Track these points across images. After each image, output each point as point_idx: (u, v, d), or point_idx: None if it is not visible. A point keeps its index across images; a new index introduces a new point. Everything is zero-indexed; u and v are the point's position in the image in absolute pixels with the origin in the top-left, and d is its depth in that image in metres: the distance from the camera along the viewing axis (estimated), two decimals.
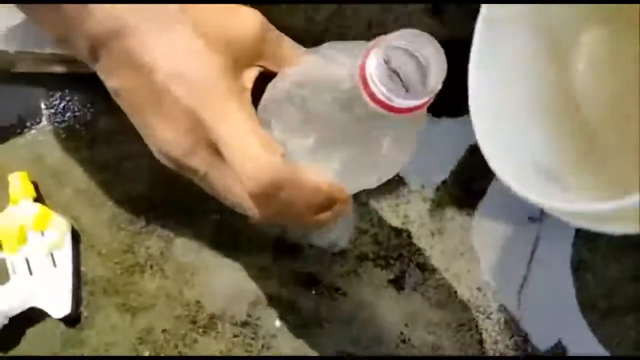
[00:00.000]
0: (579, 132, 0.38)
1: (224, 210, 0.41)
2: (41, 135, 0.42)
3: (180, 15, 0.31)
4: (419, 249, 0.42)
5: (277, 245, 0.42)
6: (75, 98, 0.43)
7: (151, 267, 0.41)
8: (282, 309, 0.41)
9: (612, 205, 0.25)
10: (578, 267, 0.42)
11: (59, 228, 0.40)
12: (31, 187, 0.41)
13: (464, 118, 0.43)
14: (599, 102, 0.38)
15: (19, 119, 0.42)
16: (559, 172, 0.35)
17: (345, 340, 0.41)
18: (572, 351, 0.41)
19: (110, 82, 0.32)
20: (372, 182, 0.35)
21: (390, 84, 0.27)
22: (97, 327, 0.41)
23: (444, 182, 0.43)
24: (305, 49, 0.35)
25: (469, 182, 0.43)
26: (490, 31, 0.35)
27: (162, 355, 0.41)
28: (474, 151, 0.34)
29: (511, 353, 0.41)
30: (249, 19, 0.33)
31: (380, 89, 0.26)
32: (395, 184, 0.43)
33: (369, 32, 0.44)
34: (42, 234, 0.40)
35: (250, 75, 0.33)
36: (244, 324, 0.41)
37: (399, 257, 0.42)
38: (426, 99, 0.27)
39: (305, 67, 0.33)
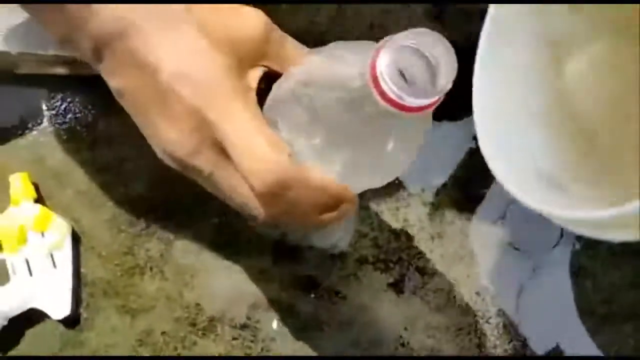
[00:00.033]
0: (579, 134, 0.38)
1: (224, 212, 0.42)
2: (42, 137, 0.42)
3: (185, 15, 0.31)
4: (418, 253, 0.42)
5: (277, 248, 0.42)
6: (77, 100, 0.43)
7: (151, 269, 0.42)
8: (282, 312, 0.41)
9: (613, 212, 0.25)
10: (577, 273, 0.42)
11: (59, 229, 0.40)
12: (32, 188, 0.41)
13: (464, 121, 0.43)
14: (599, 104, 0.38)
15: (20, 120, 0.42)
16: (560, 178, 0.35)
17: (345, 343, 0.41)
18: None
19: (114, 83, 0.32)
20: (376, 182, 0.35)
21: (401, 82, 0.27)
22: (97, 328, 0.41)
23: (444, 185, 0.43)
24: (308, 49, 0.35)
25: (469, 186, 0.43)
26: (494, 34, 0.36)
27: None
28: (474, 154, 0.34)
29: None
30: (253, 19, 0.33)
31: (391, 88, 0.26)
32: (395, 188, 0.43)
33: (370, 34, 0.44)
34: (43, 235, 0.40)
35: (254, 75, 0.33)
36: (243, 326, 0.41)
37: (399, 261, 0.42)
38: (436, 98, 0.27)
39: (312, 66, 0.33)
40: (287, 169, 0.30)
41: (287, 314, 0.41)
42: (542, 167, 0.35)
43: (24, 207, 0.40)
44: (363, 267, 0.42)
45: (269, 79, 0.34)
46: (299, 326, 0.41)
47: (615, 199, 0.27)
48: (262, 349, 0.41)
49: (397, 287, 0.42)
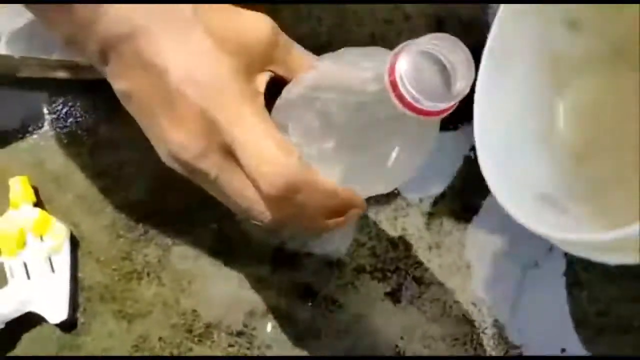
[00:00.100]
0: (576, 155, 0.39)
1: (223, 219, 0.42)
2: (43, 140, 0.42)
3: (193, 18, 0.30)
4: (416, 263, 0.42)
5: (275, 256, 0.42)
6: (78, 104, 0.43)
7: (148, 274, 0.42)
8: (279, 320, 0.41)
9: (613, 235, 0.25)
10: (573, 284, 0.42)
11: (58, 233, 0.40)
12: (32, 191, 0.41)
13: (461, 130, 0.43)
14: (597, 125, 0.39)
15: (21, 123, 0.43)
16: (558, 197, 0.36)
17: (341, 352, 0.41)
18: None
19: (120, 85, 0.31)
20: (382, 188, 0.35)
21: (419, 86, 0.27)
22: (94, 333, 0.41)
23: (442, 195, 0.43)
24: (316, 56, 0.36)
25: (467, 196, 0.43)
26: (496, 50, 0.36)
27: None
28: (473, 164, 0.34)
29: None
30: (260, 24, 0.33)
31: (410, 91, 0.27)
32: (393, 197, 0.43)
33: (372, 44, 0.44)
34: (41, 238, 0.40)
35: (262, 80, 0.33)
36: (240, 333, 0.41)
37: (396, 270, 0.42)
38: (453, 102, 0.27)
39: (324, 71, 0.33)
40: (297, 172, 0.30)
41: (284, 321, 0.41)
42: (539, 186, 0.36)
43: (23, 211, 0.40)
44: (360, 276, 0.42)
45: (275, 84, 0.34)
46: (296, 334, 0.41)
47: (612, 222, 0.27)
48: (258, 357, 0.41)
49: (394, 296, 0.42)
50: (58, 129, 0.43)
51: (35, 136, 0.42)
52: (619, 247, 0.27)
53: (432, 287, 0.42)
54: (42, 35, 0.40)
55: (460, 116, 0.36)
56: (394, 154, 0.31)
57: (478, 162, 0.35)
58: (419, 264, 0.42)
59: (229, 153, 0.30)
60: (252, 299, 0.41)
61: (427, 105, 0.27)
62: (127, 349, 0.41)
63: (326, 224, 0.33)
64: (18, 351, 0.40)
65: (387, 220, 0.43)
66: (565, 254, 0.42)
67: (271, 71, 0.34)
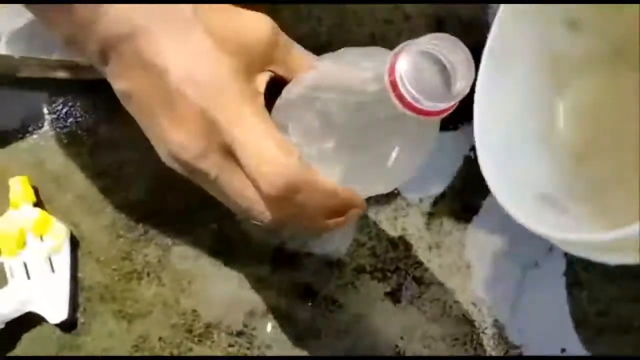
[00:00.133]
0: (576, 155, 0.39)
1: (223, 219, 0.42)
2: (43, 140, 0.42)
3: (193, 18, 0.30)
4: (416, 263, 0.42)
5: (275, 256, 0.42)
6: (78, 104, 0.43)
7: (148, 274, 0.42)
8: (279, 320, 0.41)
9: (613, 235, 0.25)
10: (573, 284, 0.42)
11: (58, 233, 0.40)
12: (32, 191, 0.41)
13: (461, 130, 0.43)
14: (597, 126, 0.39)
15: (21, 123, 0.43)
16: (558, 197, 0.36)
17: (341, 352, 0.41)
18: None
19: (120, 85, 0.31)
20: (382, 188, 0.35)
21: (419, 86, 0.27)
22: (94, 333, 0.41)
23: (442, 195, 0.43)
24: (316, 56, 0.36)
25: (468, 196, 0.43)
26: (496, 50, 0.36)
27: None
28: (473, 164, 0.34)
29: None
30: (260, 24, 0.33)
31: (410, 92, 0.27)
32: (393, 197, 0.43)
33: (371, 44, 0.44)
34: (41, 238, 0.40)
35: (262, 80, 0.33)
36: (240, 333, 0.41)
37: (396, 270, 0.42)
38: (453, 102, 0.27)
39: (324, 71, 0.33)
40: (297, 172, 0.30)
41: (284, 321, 0.41)
42: (539, 186, 0.36)
43: (23, 211, 0.40)
44: (360, 276, 0.42)
45: (275, 84, 0.34)
46: (296, 334, 0.41)
47: (612, 222, 0.27)
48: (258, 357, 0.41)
49: (394, 296, 0.42)
50: (58, 129, 0.43)
51: (35, 136, 0.43)
52: (619, 247, 0.27)
53: (432, 287, 0.42)
54: (42, 36, 0.40)
55: (460, 116, 0.36)
56: (394, 154, 0.31)
57: (478, 162, 0.35)
58: (419, 264, 0.42)
59: (229, 153, 0.30)
60: (252, 299, 0.41)
61: (427, 105, 0.27)
62: (127, 349, 0.41)
63: (326, 224, 0.33)
64: (18, 351, 0.40)
65: (387, 220, 0.43)
66: (565, 254, 0.42)
67: (271, 71, 0.34)
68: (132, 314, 0.41)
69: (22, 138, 0.42)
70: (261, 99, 0.33)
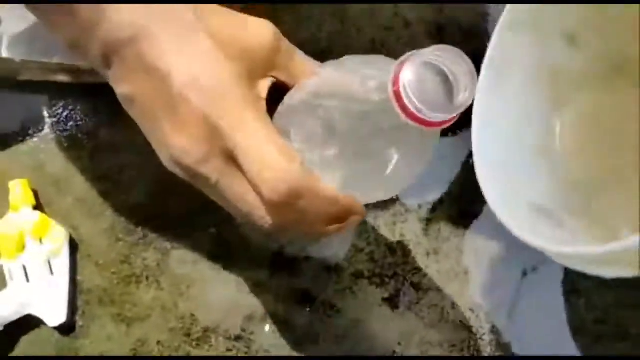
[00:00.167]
0: (572, 173, 0.39)
1: (222, 223, 0.42)
2: (43, 143, 0.43)
3: (196, 23, 0.31)
4: (414, 269, 0.42)
5: (274, 261, 0.42)
6: (78, 107, 0.43)
7: (147, 278, 0.42)
8: (277, 325, 0.41)
9: (608, 248, 0.26)
10: (570, 291, 0.42)
11: (57, 236, 0.40)
12: (31, 194, 0.41)
13: (459, 136, 0.43)
14: (593, 145, 0.39)
15: (21, 126, 0.43)
16: (553, 210, 0.36)
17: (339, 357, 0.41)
18: None
19: (123, 89, 0.31)
20: (381, 195, 0.35)
21: (422, 97, 0.27)
22: (92, 336, 0.41)
23: (440, 202, 0.43)
24: (319, 62, 0.36)
25: (466, 203, 0.43)
26: (496, 61, 0.36)
27: None
28: (471, 171, 0.34)
29: None
30: (263, 29, 0.33)
31: (413, 102, 0.27)
32: (392, 203, 0.43)
33: (371, 50, 0.44)
34: (41, 241, 0.40)
35: (264, 86, 0.33)
36: (238, 338, 0.41)
37: (394, 276, 0.42)
38: (456, 114, 0.28)
39: (327, 78, 0.33)
40: (299, 178, 0.30)
41: (282, 326, 0.41)
42: (536, 198, 0.36)
43: (23, 214, 0.40)
44: (359, 281, 0.42)
45: (277, 90, 0.34)
46: (294, 339, 0.41)
47: (608, 237, 0.27)
48: None
49: (392, 302, 0.42)
50: (58, 132, 0.43)
51: (35, 139, 0.43)
52: (615, 260, 0.27)
53: (430, 293, 0.42)
54: (43, 39, 0.40)
55: (459, 122, 0.36)
56: (394, 162, 0.31)
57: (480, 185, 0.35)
58: (417, 269, 0.42)
59: (230, 158, 0.30)
60: (251, 303, 0.41)
61: (430, 116, 0.27)
62: (126, 353, 0.41)
63: (326, 230, 0.33)
64: (17, 354, 0.40)
65: (385, 226, 0.43)
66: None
67: (273, 77, 0.34)
68: (130, 318, 0.41)
69: (22, 141, 0.43)
70: (263, 105, 0.33)
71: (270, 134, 0.31)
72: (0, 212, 0.41)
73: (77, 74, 0.42)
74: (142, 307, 0.41)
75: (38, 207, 0.41)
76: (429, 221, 0.43)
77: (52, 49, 0.40)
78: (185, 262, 0.42)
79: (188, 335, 0.41)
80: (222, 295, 0.42)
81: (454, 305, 0.42)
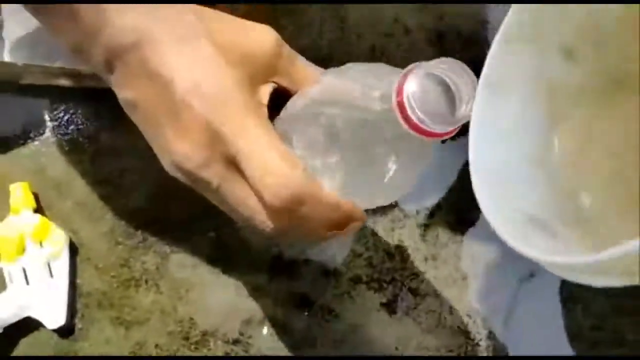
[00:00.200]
0: (569, 186, 0.39)
1: (222, 227, 0.42)
2: (44, 147, 0.43)
3: (198, 29, 0.31)
4: (412, 274, 0.43)
5: (273, 265, 0.42)
6: (80, 111, 0.43)
7: (146, 281, 0.42)
8: (275, 329, 0.42)
9: (599, 257, 0.26)
10: (567, 298, 0.42)
11: (57, 239, 0.40)
12: (32, 197, 0.41)
13: (457, 142, 0.43)
14: (591, 159, 0.39)
15: (22, 129, 0.43)
16: (548, 223, 0.36)
17: None
18: None
19: (125, 94, 0.31)
20: (380, 201, 0.35)
21: (424, 108, 0.28)
22: (91, 339, 0.41)
23: (439, 207, 0.43)
24: (321, 69, 0.36)
25: (464, 209, 0.43)
26: (493, 74, 0.36)
27: None
28: (469, 176, 0.35)
29: None
30: (264, 35, 0.34)
31: (416, 114, 0.27)
32: (390, 208, 0.43)
33: (372, 57, 0.45)
34: (41, 244, 0.40)
35: (265, 91, 0.34)
36: (236, 341, 0.41)
37: (392, 281, 0.42)
38: (457, 125, 0.28)
39: (330, 86, 0.33)
40: (302, 184, 0.30)
41: (280, 330, 0.42)
42: (531, 209, 0.36)
43: (23, 217, 0.40)
44: (357, 286, 0.42)
45: (278, 95, 0.34)
46: (292, 343, 0.41)
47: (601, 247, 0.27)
48: None
49: (389, 307, 0.42)
50: (60, 136, 0.43)
51: (36, 143, 0.43)
52: (610, 268, 0.27)
53: (428, 299, 0.42)
54: (45, 43, 0.40)
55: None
56: (395, 169, 0.31)
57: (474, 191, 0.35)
58: (415, 275, 0.43)
59: (232, 163, 0.31)
60: (249, 307, 0.42)
61: (432, 127, 0.28)
62: (124, 356, 0.41)
63: (326, 235, 0.33)
64: (16, 355, 0.40)
65: (384, 231, 0.43)
66: None
67: (275, 82, 0.34)
68: (129, 321, 0.41)
69: (23, 144, 0.43)
70: (265, 111, 0.33)
71: (272, 140, 0.31)
72: (1, 214, 0.41)
73: (79, 78, 0.42)
74: (141, 310, 0.41)
75: (38, 210, 0.41)
76: (426, 227, 0.43)
77: (54, 53, 0.40)
78: (184, 265, 0.42)
79: (186, 338, 0.41)
80: (221, 299, 0.42)
81: (451, 311, 0.42)
